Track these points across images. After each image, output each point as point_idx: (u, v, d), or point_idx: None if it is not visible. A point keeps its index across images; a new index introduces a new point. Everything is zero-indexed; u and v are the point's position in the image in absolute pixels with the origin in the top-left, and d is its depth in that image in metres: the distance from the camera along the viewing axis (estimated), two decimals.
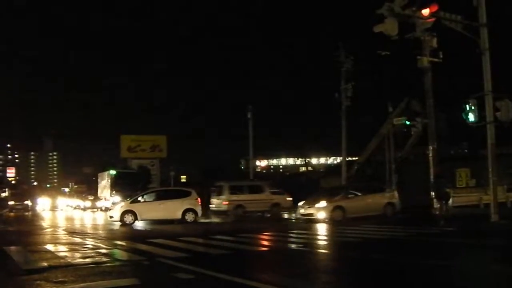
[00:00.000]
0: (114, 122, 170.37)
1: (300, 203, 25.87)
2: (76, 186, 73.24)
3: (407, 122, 26.70)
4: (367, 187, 27.32)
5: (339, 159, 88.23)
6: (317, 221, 23.55)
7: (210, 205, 30.62)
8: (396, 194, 26.03)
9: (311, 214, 24.16)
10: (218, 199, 29.77)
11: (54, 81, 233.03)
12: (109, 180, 44.86)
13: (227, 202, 28.95)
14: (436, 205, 21.06)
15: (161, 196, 26.87)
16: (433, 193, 21.31)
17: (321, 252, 13.23)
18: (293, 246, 14.76)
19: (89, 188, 66.01)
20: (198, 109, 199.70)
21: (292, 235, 17.60)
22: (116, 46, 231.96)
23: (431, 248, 13.25)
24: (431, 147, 22.72)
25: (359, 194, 25.57)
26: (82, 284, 8.53)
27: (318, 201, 24.64)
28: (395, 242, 14.77)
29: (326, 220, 23.50)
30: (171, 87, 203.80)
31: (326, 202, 24.25)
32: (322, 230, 20.00)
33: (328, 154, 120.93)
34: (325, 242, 15.85)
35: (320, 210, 23.95)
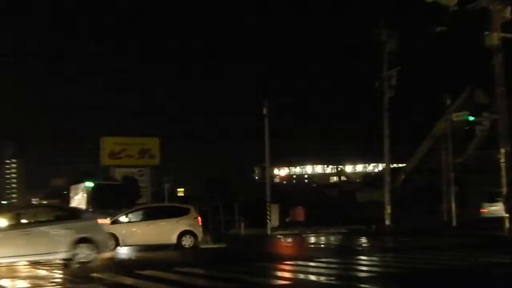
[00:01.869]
0: (93, 122, 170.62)
1: None
2: (45, 202, 73.37)
3: (470, 118, 26.43)
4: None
5: (381, 167, 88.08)
6: None
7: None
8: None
9: None
10: None
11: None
12: (85, 195, 44.81)
13: None
14: (508, 224, 20.76)
15: (152, 214, 26.69)
16: (505, 209, 21.00)
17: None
18: (322, 278, 14.50)
19: (63, 204, 66.33)
20: (199, 106, 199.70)
21: (321, 264, 17.32)
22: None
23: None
24: (503, 150, 22.37)
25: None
26: None
27: None
28: (454, 274, 14.45)
29: None
30: (165, 78, 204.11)
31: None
32: None
33: (367, 161, 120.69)
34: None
35: None
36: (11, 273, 17.05)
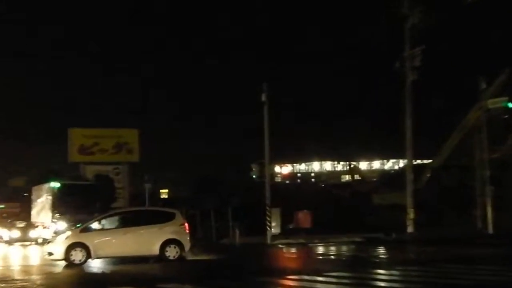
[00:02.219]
0: (59, 112, 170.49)
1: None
2: (2, 206, 72.86)
3: (510, 105, 26.32)
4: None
5: (401, 163, 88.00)
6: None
7: None
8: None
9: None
10: None
11: None
12: (50, 198, 44.80)
13: None
14: None
15: (130, 220, 26.50)
16: None
17: None
18: None
19: (23, 209, 65.69)
20: (186, 92, 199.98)
21: (331, 279, 17.23)
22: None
23: None
24: None
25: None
26: None
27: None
28: None
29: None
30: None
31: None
32: None
33: (385, 156, 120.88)
34: None
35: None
36: None
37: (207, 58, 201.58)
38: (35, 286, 17.88)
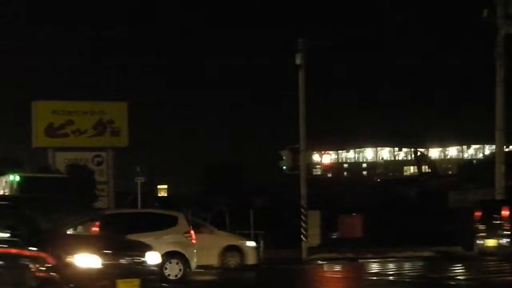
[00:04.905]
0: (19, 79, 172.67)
1: None
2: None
3: None
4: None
5: (488, 151, 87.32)
6: None
7: None
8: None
9: None
10: None
11: None
12: (9, 193, 45.09)
13: None
14: None
15: (116, 226, 26.63)
16: None
17: None
18: None
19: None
20: (192, 54, 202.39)
21: None
22: None
23: None
24: None
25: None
26: None
27: None
28: None
29: None
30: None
31: None
32: None
33: (465, 141, 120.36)
34: None
35: None
36: None
37: None
38: None
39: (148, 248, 14.74)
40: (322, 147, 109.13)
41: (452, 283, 25.39)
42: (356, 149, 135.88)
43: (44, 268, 13.31)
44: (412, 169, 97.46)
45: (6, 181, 45.42)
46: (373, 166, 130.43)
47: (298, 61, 40.06)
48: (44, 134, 57.96)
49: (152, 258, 14.37)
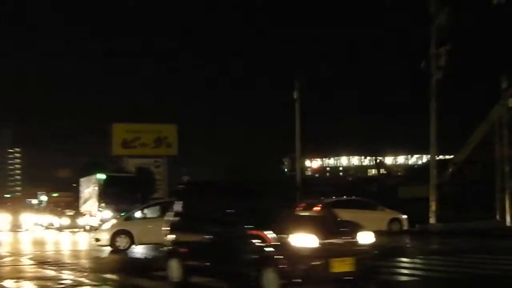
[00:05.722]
0: (103, 107, 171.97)
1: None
2: (56, 195, 73.14)
3: None
4: None
5: (425, 158, 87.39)
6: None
7: None
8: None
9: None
10: None
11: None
12: (96, 188, 45.17)
13: None
14: None
15: (169, 210, 26.77)
16: None
17: None
18: None
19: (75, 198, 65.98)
20: (220, 86, 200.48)
21: None
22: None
23: None
24: None
25: None
26: None
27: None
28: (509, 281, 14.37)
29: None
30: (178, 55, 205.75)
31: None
32: None
33: (410, 152, 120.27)
34: None
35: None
36: (16, 273, 17.24)
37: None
38: (83, 269, 18.12)
39: (361, 227, 12.07)
40: (312, 155, 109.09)
41: (401, 249, 25.36)
42: (335, 157, 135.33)
43: (262, 245, 11.03)
44: (373, 171, 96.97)
45: (96, 179, 45.69)
46: (346, 169, 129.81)
47: (295, 95, 40.18)
48: (120, 146, 58.33)
49: (365, 237, 11.78)
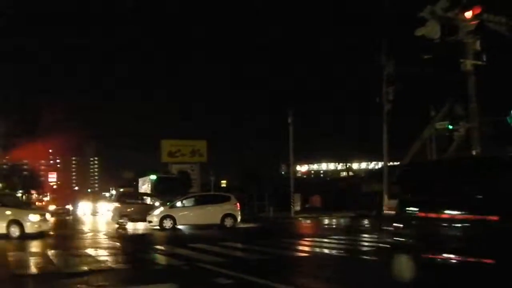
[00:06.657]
0: (154, 127, 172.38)
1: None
2: (122, 190, 73.51)
3: (450, 127, 26.21)
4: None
5: (380, 164, 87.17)
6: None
7: None
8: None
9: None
10: None
11: (95, 86, 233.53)
12: (150, 185, 45.33)
13: None
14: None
15: (200, 201, 26.97)
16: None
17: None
18: (333, 252, 14.67)
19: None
20: (235, 109, 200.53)
21: (333, 240, 17.48)
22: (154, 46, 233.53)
23: None
24: (474, 152, 22.26)
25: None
26: None
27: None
28: None
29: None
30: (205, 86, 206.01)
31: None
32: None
33: (370, 159, 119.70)
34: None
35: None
36: (94, 244, 17.26)
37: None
38: (140, 242, 18.26)
39: None
40: (301, 162, 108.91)
41: (363, 228, 25.45)
42: (317, 163, 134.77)
43: None
44: (344, 174, 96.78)
45: (149, 179, 45.81)
46: (325, 172, 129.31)
47: (289, 120, 40.21)
48: (167, 156, 58.39)
49: None
